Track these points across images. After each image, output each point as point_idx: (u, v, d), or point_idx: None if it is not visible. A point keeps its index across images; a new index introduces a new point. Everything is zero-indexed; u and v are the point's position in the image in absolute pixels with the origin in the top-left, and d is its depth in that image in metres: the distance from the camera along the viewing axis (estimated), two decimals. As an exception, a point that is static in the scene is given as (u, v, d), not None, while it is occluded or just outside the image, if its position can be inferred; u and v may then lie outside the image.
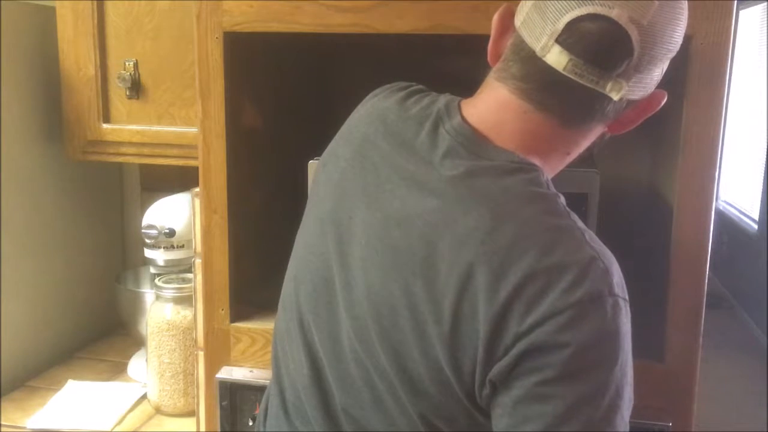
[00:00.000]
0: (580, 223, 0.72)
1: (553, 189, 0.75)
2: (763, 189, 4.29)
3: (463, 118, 0.77)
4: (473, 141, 0.75)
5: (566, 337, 0.65)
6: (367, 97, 0.90)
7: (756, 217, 4.45)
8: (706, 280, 0.97)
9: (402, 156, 0.78)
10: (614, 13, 0.68)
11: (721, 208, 5.11)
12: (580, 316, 0.65)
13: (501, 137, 0.75)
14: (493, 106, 0.77)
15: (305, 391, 0.83)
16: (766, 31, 4.42)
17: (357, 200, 0.79)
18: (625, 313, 0.69)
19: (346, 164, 0.83)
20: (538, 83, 0.73)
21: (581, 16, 0.69)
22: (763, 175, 4.30)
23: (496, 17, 0.78)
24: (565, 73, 0.70)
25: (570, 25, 0.69)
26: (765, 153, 4.26)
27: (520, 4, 0.76)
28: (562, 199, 0.74)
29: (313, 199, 0.88)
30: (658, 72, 0.74)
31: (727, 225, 4.85)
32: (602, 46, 0.69)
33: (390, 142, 0.80)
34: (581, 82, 0.70)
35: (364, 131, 0.83)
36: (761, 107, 4.33)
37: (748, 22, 4.83)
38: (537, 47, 0.71)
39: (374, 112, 0.85)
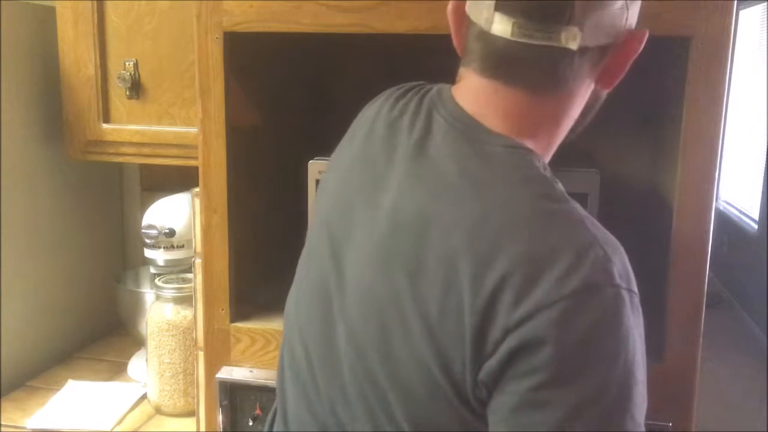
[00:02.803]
0: (581, 209, 0.68)
1: (549, 173, 0.72)
2: (763, 189, 4.29)
3: (456, 103, 0.76)
4: (468, 125, 0.74)
5: (559, 332, 0.60)
6: (368, 103, 0.90)
7: (756, 217, 4.45)
8: (706, 280, 0.97)
9: (398, 152, 0.76)
10: None
11: (721, 208, 5.11)
12: (576, 309, 0.60)
13: (487, 122, 0.74)
14: (469, 93, 0.75)
15: (305, 403, 0.81)
16: (766, 31, 4.42)
17: (354, 202, 0.78)
18: (631, 306, 0.63)
19: (347, 166, 0.83)
20: (497, 58, 0.72)
21: None
22: (763, 175, 4.31)
23: (449, 12, 0.78)
24: (514, 39, 0.69)
25: None
26: (765, 153, 4.26)
27: None
28: (560, 185, 0.71)
29: (317, 205, 0.88)
30: (617, 8, 0.70)
31: (727, 225, 4.85)
32: (539, 0, 0.68)
33: (388, 140, 0.79)
34: (534, 42, 0.68)
35: (365, 133, 0.83)
36: (761, 107, 4.33)
37: (748, 22, 4.83)
38: (482, 22, 0.71)
39: (372, 114, 0.84)
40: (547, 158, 0.78)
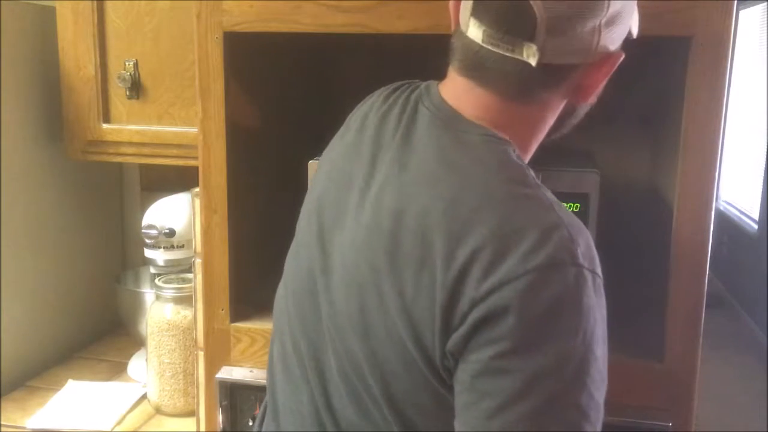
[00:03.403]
0: (550, 195, 0.72)
1: (523, 162, 0.75)
2: (763, 189, 4.29)
3: (441, 96, 0.79)
4: (450, 115, 0.77)
5: (523, 304, 0.63)
6: (363, 101, 0.91)
7: (756, 217, 4.45)
8: (706, 280, 0.97)
9: (386, 142, 0.80)
10: None
11: (721, 208, 5.11)
12: (539, 283, 0.64)
13: (467, 114, 0.77)
14: (450, 89, 0.79)
15: (296, 394, 0.83)
16: (766, 31, 4.42)
17: (344, 193, 0.81)
18: (592, 286, 0.66)
19: (338, 159, 0.85)
20: (471, 59, 0.75)
21: None
22: (763, 175, 4.30)
23: (450, 5, 0.80)
24: (483, 45, 0.73)
25: None
26: (765, 153, 4.26)
27: None
28: (533, 173, 0.74)
29: (307, 198, 0.90)
30: (586, 31, 0.71)
31: (727, 225, 4.85)
32: (506, 14, 0.71)
33: (378, 133, 0.82)
34: (499, 51, 0.72)
35: (357, 128, 0.86)
36: (761, 107, 4.33)
37: (748, 22, 4.83)
38: (462, 23, 0.75)
39: (366, 110, 0.87)
40: (526, 159, 0.79)
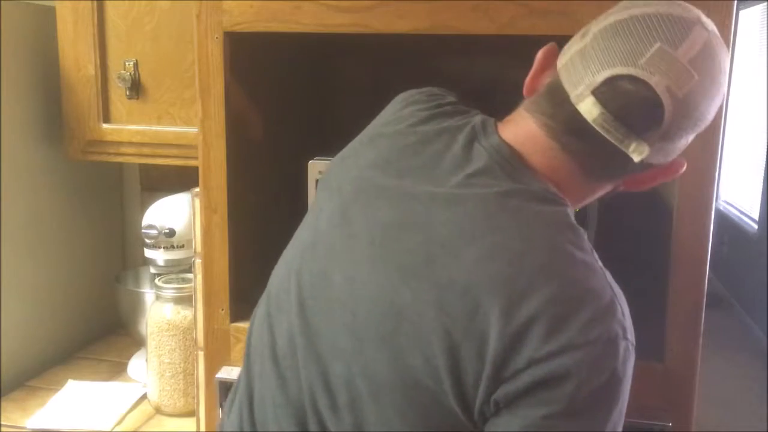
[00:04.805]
0: (600, 263, 0.74)
1: (578, 226, 0.76)
2: (763, 189, 4.29)
3: (500, 137, 0.78)
4: (511, 162, 0.76)
5: (581, 373, 0.66)
6: (398, 100, 0.89)
7: (756, 217, 4.45)
8: (706, 280, 0.97)
9: (430, 167, 0.78)
10: (654, 79, 0.70)
11: (721, 208, 5.11)
12: (598, 355, 0.67)
13: (528, 163, 0.77)
14: (521, 135, 0.78)
15: (280, 383, 0.81)
16: (766, 31, 4.42)
17: (375, 201, 0.78)
18: (633, 359, 0.71)
19: (366, 164, 0.82)
20: (565, 126, 0.75)
21: (622, 75, 0.71)
22: (763, 175, 4.30)
23: (540, 53, 0.80)
24: (593, 124, 0.72)
25: (609, 80, 0.71)
26: (765, 153, 4.26)
27: (566, 46, 0.78)
28: (586, 236, 0.76)
29: (326, 191, 0.86)
30: (683, 142, 0.76)
31: (727, 225, 4.85)
32: (635, 108, 0.71)
33: (418, 150, 0.79)
34: (607, 137, 0.72)
35: (393, 136, 0.83)
36: (761, 107, 4.33)
37: (748, 22, 4.83)
38: (573, 93, 0.73)
39: (404, 118, 0.84)
40: None
